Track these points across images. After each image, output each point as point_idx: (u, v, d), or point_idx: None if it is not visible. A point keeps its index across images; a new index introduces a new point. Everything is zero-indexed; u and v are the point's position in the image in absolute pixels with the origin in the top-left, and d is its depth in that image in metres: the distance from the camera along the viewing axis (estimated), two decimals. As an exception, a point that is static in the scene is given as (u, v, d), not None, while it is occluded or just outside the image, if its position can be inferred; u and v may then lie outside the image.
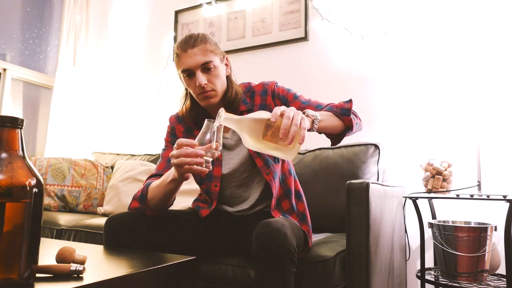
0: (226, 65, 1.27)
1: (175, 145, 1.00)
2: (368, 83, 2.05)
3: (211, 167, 1.02)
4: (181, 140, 0.99)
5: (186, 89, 1.30)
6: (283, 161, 1.29)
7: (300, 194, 1.32)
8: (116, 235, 1.12)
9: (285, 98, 1.28)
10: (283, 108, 0.93)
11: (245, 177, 1.27)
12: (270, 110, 1.23)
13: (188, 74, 1.19)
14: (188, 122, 1.32)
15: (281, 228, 0.98)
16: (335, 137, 1.19)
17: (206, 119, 1.02)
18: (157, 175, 1.23)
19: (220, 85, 1.21)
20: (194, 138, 1.07)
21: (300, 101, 1.26)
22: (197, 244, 1.26)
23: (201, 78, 1.17)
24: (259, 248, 0.97)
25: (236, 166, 1.26)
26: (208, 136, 1.00)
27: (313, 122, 1.03)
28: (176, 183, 1.07)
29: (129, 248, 1.10)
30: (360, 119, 1.23)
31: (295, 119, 0.90)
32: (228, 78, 1.27)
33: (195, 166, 0.97)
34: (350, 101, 1.16)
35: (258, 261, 0.98)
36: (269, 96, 1.29)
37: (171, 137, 1.33)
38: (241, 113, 1.25)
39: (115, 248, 1.07)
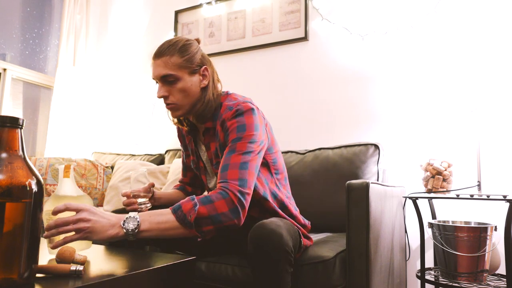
0: (204, 76, 1.17)
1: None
2: (368, 83, 2.05)
3: (149, 206, 1.16)
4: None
5: None
6: (255, 188, 1.13)
7: (277, 211, 1.20)
8: None
9: (227, 136, 1.12)
10: (77, 216, 0.85)
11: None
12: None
13: (156, 83, 1.17)
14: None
15: (276, 229, 0.98)
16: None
17: (131, 171, 1.24)
18: (180, 181, 1.46)
19: (183, 98, 1.14)
20: (190, 138, 1.29)
21: (230, 148, 1.09)
22: (197, 244, 1.26)
23: (160, 90, 1.15)
24: (255, 249, 0.97)
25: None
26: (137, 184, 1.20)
27: (127, 233, 0.90)
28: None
29: (129, 248, 1.10)
30: (213, 227, 0.98)
31: (61, 229, 0.83)
32: (205, 89, 1.17)
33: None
34: (196, 208, 0.96)
35: (254, 262, 0.98)
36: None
37: (180, 137, 1.39)
38: (206, 129, 1.21)
39: (115, 248, 1.07)
